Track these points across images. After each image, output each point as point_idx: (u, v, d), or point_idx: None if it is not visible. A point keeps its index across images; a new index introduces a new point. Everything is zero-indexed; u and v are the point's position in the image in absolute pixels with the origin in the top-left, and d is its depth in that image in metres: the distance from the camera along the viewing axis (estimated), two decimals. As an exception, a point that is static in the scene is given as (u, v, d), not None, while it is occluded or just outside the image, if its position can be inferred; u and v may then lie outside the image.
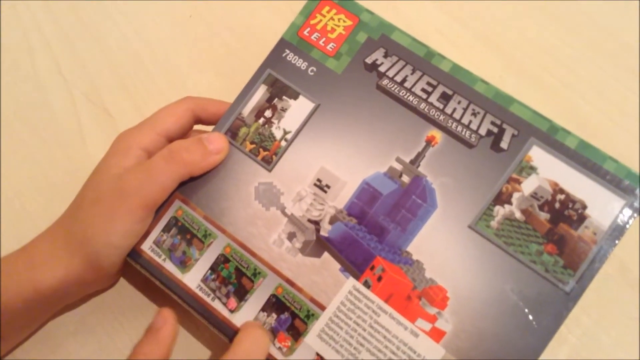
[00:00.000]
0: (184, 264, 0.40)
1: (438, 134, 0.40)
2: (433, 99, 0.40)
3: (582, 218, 0.37)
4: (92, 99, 0.52)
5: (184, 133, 0.44)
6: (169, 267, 0.40)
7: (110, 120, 0.51)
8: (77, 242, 0.39)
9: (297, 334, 0.38)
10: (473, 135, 0.39)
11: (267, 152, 0.41)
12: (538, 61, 0.50)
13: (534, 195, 0.38)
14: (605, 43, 0.50)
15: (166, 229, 0.40)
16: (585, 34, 0.50)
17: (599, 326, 0.43)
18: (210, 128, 0.44)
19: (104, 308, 0.45)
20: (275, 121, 0.42)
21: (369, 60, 0.42)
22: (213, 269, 0.40)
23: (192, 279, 0.40)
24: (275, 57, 0.43)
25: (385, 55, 0.41)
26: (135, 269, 0.41)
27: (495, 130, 0.39)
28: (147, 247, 0.40)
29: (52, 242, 0.40)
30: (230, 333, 0.38)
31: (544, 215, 0.38)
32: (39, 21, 0.55)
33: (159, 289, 0.41)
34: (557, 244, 0.37)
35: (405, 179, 0.39)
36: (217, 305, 0.39)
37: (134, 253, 0.40)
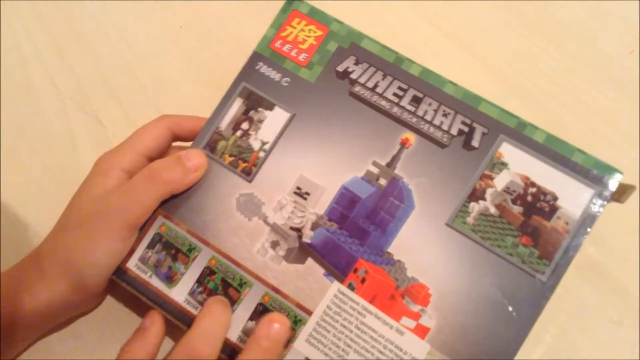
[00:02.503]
0: (170, 279, 0.40)
1: (411, 136, 0.41)
2: (405, 102, 0.41)
3: (553, 209, 0.38)
4: (85, 109, 0.52)
5: (163, 151, 0.44)
6: (156, 283, 0.40)
7: (101, 130, 0.52)
8: (60, 264, 0.39)
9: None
10: (445, 135, 0.41)
11: (246, 164, 0.42)
12: (520, 71, 0.51)
13: (507, 190, 0.39)
14: (585, 53, 0.51)
15: (151, 246, 0.41)
16: (566, 44, 0.52)
17: (575, 326, 0.44)
18: (189, 144, 0.44)
19: (95, 313, 0.45)
20: (253, 133, 0.43)
21: (340, 69, 0.43)
22: (199, 282, 0.40)
23: (179, 293, 0.40)
24: (249, 70, 0.44)
25: (356, 63, 0.43)
26: (122, 286, 0.42)
27: (466, 129, 0.40)
28: (132, 264, 0.41)
29: (35, 266, 0.40)
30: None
31: (517, 209, 0.39)
32: (32, 33, 0.55)
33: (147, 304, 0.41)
34: (531, 236, 0.38)
35: (382, 181, 0.41)
36: (205, 317, 0.40)
37: (120, 271, 0.41)
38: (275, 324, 0.37)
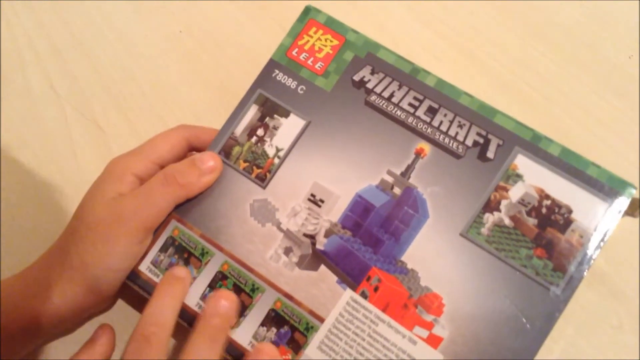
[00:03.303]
0: (182, 282, 0.40)
1: (426, 146, 0.41)
2: (420, 112, 0.42)
3: (568, 222, 0.39)
4: (84, 113, 0.52)
5: (178, 160, 0.44)
6: (168, 286, 0.40)
7: (101, 134, 0.52)
8: (74, 268, 0.39)
9: (297, 347, 0.38)
10: (460, 146, 0.41)
11: (261, 170, 0.42)
12: (521, 76, 0.51)
13: (521, 202, 0.39)
14: (585, 58, 0.52)
15: (163, 249, 0.41)
16: (567, 49, 0.52)
17: (576, 330, 0.44)
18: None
19: (94, 320, 0.45)
20: (268, 139, 0.43)
21: (356, 78, 0.43)
22: (211, 286, 0.40)
23: (191, 297, 0.40)
24: (265, 78, 0.44)
25: (372, 73, 0.43)
26: (132, 288, 0.42)
27: (481, 140, 0.41)
28: (144, 267, 0.41)
29: (48, 269, 0.40)
30: (230, 349, 0.39)
31: (531, 221, 0.39)
32: (31, 37, 0.55)
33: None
34: (545, 248, 0.38)
35: (397, 190, 0.41)
36: (216, 322, 0.39)
37: (132, 274, 0.41)
38: (223, 301, 0.38)
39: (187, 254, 0.41)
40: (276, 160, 0.42)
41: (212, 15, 0.56)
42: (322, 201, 0.41)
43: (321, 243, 0.40)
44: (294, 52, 0.44)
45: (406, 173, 0.41)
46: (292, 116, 0.43)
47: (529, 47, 0.53)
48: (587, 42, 0.52)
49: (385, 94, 0.42)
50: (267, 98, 0.43)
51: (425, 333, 0.38)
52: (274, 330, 0.39)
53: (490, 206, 0.39)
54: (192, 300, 0.40)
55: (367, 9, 0.55)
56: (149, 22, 0.56)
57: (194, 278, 0.40)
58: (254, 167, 0.42)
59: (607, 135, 0.49)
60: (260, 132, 0.43)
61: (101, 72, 0.54)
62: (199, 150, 0.45)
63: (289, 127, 0.43)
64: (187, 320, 0.40)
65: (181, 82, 0.54)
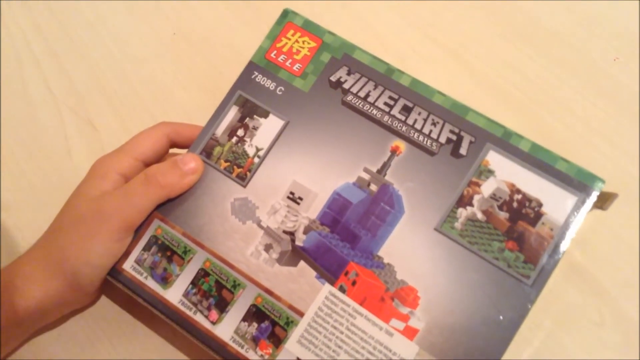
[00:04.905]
0: (165, 280, 0.41)
1: (402, 144, 0.42)
2: (395, 111, 0.43)
3: (538, 215, 0.40)
4: (79, 113, 0.54)
5: (160, 157, 0.45)
6: (151, 284, 0.41)
7: (95, 134, 0.53)
8: (56, 263, 0.40)
9: (277, 341, 0.39)
10: (434, 143, 0.42)
11: (241, 169, 0.43)
12: (508, 78, 0.53)
13: (493, 197, 0.40)
14: (571, 60, 0.53)
15: (146, 248, 0.42)
16: (553, 51, 0.53)
17: (559, 327, 0.45)
18: (185, 151, 0.46)
19: (86, 315, 0.46)
20: (248, 139, 0.44)
21: (333, 78, 0.44)
22: (194, 283, 0.41)
23: (174, 294, 0.41)
24: (244, 79, 0.45)
25: (349, 73, 0.44)
26: (118, 286, 0.42)
27: (454, 138, 0.42)
28: (128, 266, 0.42)
29: (31, 264, 0.41)
30: (213, 345, 0.40)
31: (503, 215, 0.40)
32: (28, 39, 0.57)
33: (141, 304, 0.42)
34: (517, 241, 0.39)
35: (374, 187, 0.42)
36: (199, 318, 0.40)
37: (116, 272, 0.41)
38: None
39: (170, 252, 0.42)
40: (256, 160, 0.43)
41: (205, 18, 0.57)
42: (300, 199, 0.42)
43: (300, 239, 0.41)
44: (272, 55, 0.45)
45: (382, 170, 0.42)
46: (271, 116, 0.44)
47: (516, 50, 0.54)
48: (573, 44, 0.54)
49: (362, 94, 0.43)
50: (247, 99, 0.44)
51: (401, 325, 0.39)
52: (255, 325, 0.40)
53: (464, 201, 0.41)
54: (175, 298, 0.41)
55: (356, 11, 0.56)
56: (143, 24, 0.57)
57: (177, 275, 0.41)
58: (235, 167, 0.43)
59: (592, 137, 0.50)
60: (240, 132, 0.44)
61: (96, 72, 0.55)
62: (180, 145, 0.46)
63: (268, 127, 0.44)
64: (168, 316, 0.40)
65: (174, 82, 0.55)
